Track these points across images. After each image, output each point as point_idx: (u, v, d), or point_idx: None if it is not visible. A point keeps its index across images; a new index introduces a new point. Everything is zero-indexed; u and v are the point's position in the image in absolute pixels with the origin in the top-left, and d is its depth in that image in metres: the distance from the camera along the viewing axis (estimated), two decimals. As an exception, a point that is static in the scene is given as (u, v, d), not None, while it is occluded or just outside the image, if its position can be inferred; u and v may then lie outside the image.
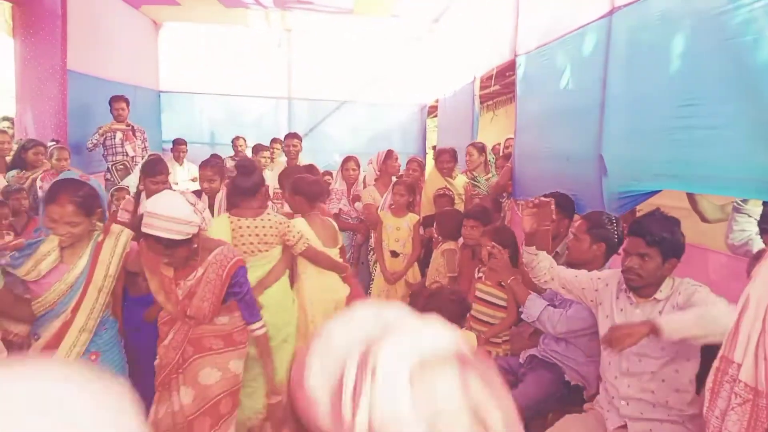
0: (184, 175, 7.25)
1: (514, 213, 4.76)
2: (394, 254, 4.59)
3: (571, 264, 2.83)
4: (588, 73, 3.43)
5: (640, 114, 2.89)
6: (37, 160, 5.25)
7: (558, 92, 3.90)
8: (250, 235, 3.11)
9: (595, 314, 2.56)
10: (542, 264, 2.70)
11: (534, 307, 2.90)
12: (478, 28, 6.30)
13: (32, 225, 4.31)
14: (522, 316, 3.00)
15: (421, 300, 2.74)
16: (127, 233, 2.50)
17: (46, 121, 6.01)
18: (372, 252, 5.06)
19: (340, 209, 5.36)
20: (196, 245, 2.39)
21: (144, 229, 2.29)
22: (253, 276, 3.04)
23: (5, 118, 6.13)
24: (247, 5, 8.18)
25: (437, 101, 9.03)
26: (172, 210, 2.27)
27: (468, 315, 3.16)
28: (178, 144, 7.37)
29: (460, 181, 5.14)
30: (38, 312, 2.30)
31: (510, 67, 5.62)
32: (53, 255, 2.28)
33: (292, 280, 3.41)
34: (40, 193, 4.85)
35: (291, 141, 5.72)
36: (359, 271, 5.30)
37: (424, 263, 4.76)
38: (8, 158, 5.37)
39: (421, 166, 5.36)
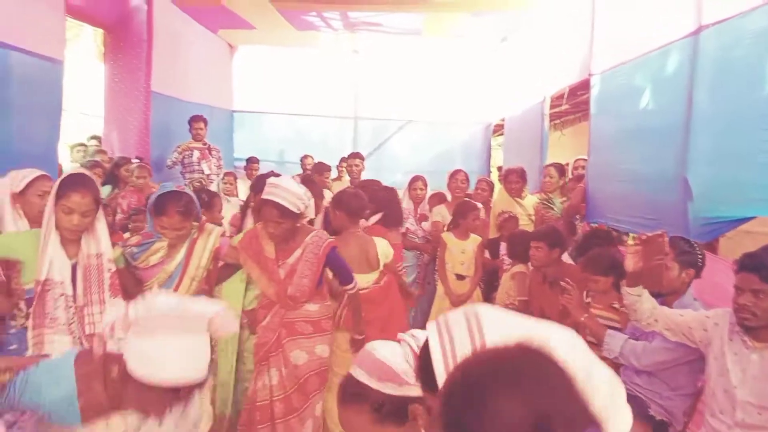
0: (255, 192, 7.47)
1: (587, 236, 4.63)
2: (460, 277, 4.54)
3: (657, 294, 2.70)
4: (671, 93, 3.32)
5: (730, 135, 2.76)
6: (128, 176, 5.56)
7: (637, 112, 3.79)
8: None
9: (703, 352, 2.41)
10: (645, 306, 2.54)
11: (614, 342, 2.76)
12: (548, 47, 6.22)
13: (116, 240, 4.55)
14: (603, 353, 2.86)
15: None
16: (218, 231, 2.87)
17: (130, 140, 6.36)
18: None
19: (407, 228, 5.37)
20: (299, 224, 2.79)
21: (265, 196, 2.71)
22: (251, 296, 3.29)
23: (94, 137, 6.53)
24: (318, 28, 8.42)
25: (503, 120, 8.96)
26: (292, 186, 2.74)
27: None
28: (251, 162, 7.60)
29: (529, 201, 5.05)
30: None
31: (582, 87, 5.52)
32: (162, 252, 2.70)
33: None
34: (119, 210, 5.13)
35: (353, 160, 5.81)
36: (426, 291, 5.28)
37: (487, 287, 4.69)
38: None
39: (490, 186, 5.30)
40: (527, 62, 7.32)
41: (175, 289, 2.67)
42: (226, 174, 6.49)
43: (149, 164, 5.94)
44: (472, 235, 4.54)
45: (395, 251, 3.96)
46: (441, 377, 0.89)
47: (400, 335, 1.34)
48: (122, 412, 1.58)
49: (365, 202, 3.70)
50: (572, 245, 4.70)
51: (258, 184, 4.24)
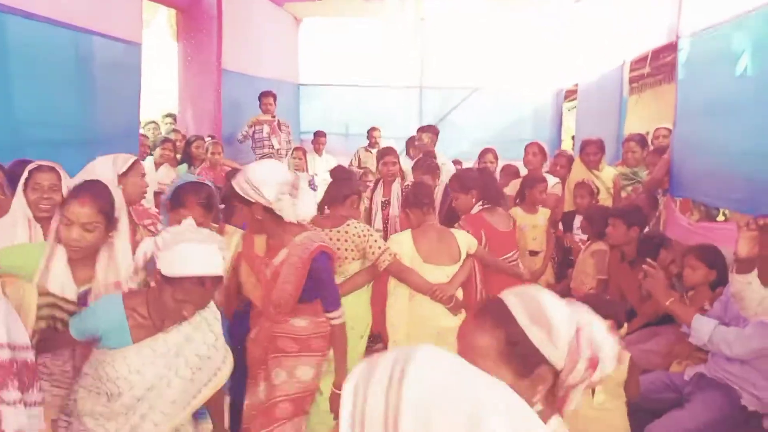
0: (323, 165, 7.52)
1: (671, 211, 4.38)
2: (533, 253, 4.41)
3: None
4: (773, 58, 3.03)
5: None
6: (200, 153, 5.73)
7: (731, 79, 3.50)
8: None
9: None
10: (755, 294, 2.36)
11: (703, 328, 2.59)
12: (628, 7, 5.84)
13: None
14: (690, 339, 2.71)
15: None
16: (240, 234, 2.60)
17: (203, 117, 6.54)
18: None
19: (475, 203, 5.26)
20: (259, 217, 2.38)
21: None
22: None
23: (169, 115, 6.75)
24: (384, -3, 8.27)
25: (575, 86, 8.57)
26: (254, 172, 2.36)
27: None
28: (319, 136, 7.64)
29: (607, 173, 4.76)
30: None
31: (665, 49, 5.17)
32: None
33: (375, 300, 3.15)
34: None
35: (421, 134, 5.70)
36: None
37: (560, 263, 4.54)
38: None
39: (569, 161, 5.02)
40: (604, 24, 6.92)
41: None
42: (295, 149, 6.57)
43: (221, 141, 6.09)
44: (541, 209, 4.38)
45: (507, 238, 3.70)
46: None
47: (574, 303, 1.25)
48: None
49: (430, 189, 3.51)
50: (656, 221, 4.49)
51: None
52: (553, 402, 1.23)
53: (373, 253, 2.97)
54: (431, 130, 5.68)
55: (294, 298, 2.44)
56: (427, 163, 4.58)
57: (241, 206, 2.46)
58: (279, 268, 2.42)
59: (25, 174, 2.48)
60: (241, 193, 2.35)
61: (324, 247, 2.45)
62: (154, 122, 6.81)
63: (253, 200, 2.34)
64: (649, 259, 2.89)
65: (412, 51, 9.69)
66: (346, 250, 2.97)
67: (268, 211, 2.36)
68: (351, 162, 7.57)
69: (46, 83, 3.79)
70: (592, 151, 4.73)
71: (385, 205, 4.66)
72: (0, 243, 2.25)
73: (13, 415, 1.63)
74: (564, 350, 1.17)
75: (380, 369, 0.80)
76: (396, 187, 4.63)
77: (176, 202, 2.40)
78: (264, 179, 2.33)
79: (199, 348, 1.95)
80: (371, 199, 4.70)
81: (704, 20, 3.89)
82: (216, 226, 2.56)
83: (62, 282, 2.02)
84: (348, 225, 2.99)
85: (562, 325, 1.17)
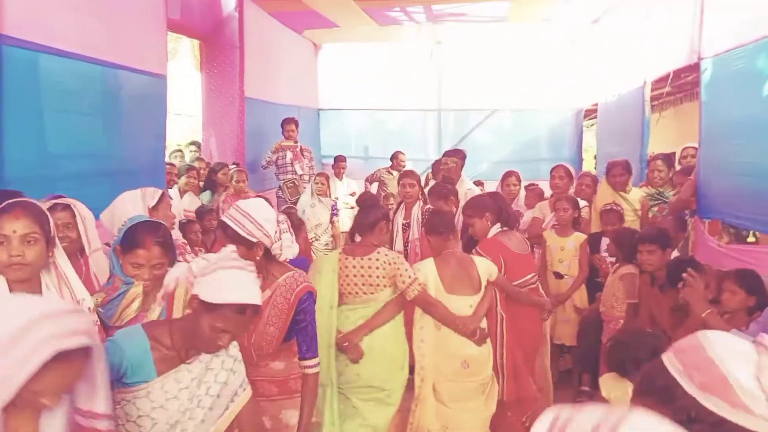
0: (343, 189, 7.58)
1: (699, 233, 4.31)
2: (558, 276, 4.38)
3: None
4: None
5: None
6: (224, 180, 5.80)
7: (758, 99, 3.46)
8: (355, 276, 2.98)
9: None
10: None
11: None
12: (648, 28, 5.83)
13: (220, 242, 4.77)
14: None
15: (613, 343, 2.49)
16: None
17: (227, 145, 6.64)
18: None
19: (500, 226, 5.23)
20: (258, 258, 2.25)
21: (223, 218, 2.30)
22: (352, 318, 2.98)
23: (193, 143, 6.87)
24: (401, 22, 8.37)
25: (595, 105, 8.54)
26: (253, 210, 2.25)
27: None
28: (339, 161, 7.70)
29: (635, 195, 4.71)
30: None
31: (687, 69, 5.14)
32: (137, 303, 2.17)
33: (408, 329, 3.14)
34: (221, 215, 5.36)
35: (449, 158, 5.66)
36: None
37: (591, 287, 4.48)
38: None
39: (594, 182, 4.94)
40: (623, 44, 6.91)
41: None
42: (318, 174, 6.63)
43: (245, 168, 6.17)
44: (576, 233, 4.36)
45: (526, 260, 3.65)
46: None
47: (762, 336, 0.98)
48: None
49: (451, 216, 3.54)
50: (684, 243, 4.42)
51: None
52: None
53: (403, 282, 2.97)
54: (457, 155, 5.61)
55: (278, 340, 2.33)
56: (440, 189, 4.59)
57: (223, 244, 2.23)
58: (261, 311, 2.26)
59: None
60: (243, 233, 2.20)
61: (310, 288, 2.37)
62: (180, 150, 6.92)
63: (256, 240, 2.22)
64: (690, 268, 2.82)
65: (429, 74, 9.77)
66: (378, 277, 2.99)
67: (266, 251, 2.28)
68: (368, 178, 7.60)
69: (76, 117, 3.88)
70: (618, 172, 4.68)
71: (406, 227, 4.67)
72: None
73: None
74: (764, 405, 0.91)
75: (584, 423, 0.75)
76: (416, 210, 4.64)
77: (131, 243, 2.14)
78: (266, 217, 2.26)
79: (218, 375, 1.86)
80: (392, 222, 4.71)
81: (726, 41, 3.87)
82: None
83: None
84: (379, 253, 3.01)
85: (745, 378, 0.93)
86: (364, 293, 2.99)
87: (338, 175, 7.70)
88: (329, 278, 2.98)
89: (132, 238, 2.15)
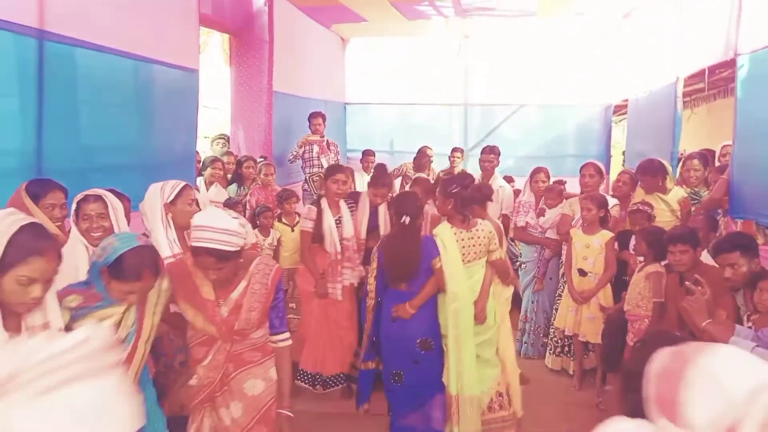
0: (372, 183, 7.59)
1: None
2: (582, 273, 4.36)
3: None
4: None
5: None
6: (249, 173, 5.88)
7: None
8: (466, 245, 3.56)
9: None
10: None
11: (742, 347, 2.52)
12: (681, 23, 5.71)
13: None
14: None
15: (641, 344, 2.47)
16: (167, 279, 2.32)
17: (255, 139, 6.72)
18: (563, 267, 4.84)
19: (527, 222, 5.22)
20: (242, 259, 2.33)
21: (197, 244, 2.22)
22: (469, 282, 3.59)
23: (221, 136, 6.95)
24: (429, 16, 8.34)
25: (625, 101, 8.41)
26: (225, 222, 2.23)
27: None
28: (367, 155, 7.70)
29: (674, 195, 4.51)
30: None
31: (721, 65, 5.03)
32: (114, 318, 2.14)
33: None
34: (248, 208, 5.44)
35: (488, 156, 5.71)
36: (547, 286, 5.12)
37: (617, 285, 4.44)
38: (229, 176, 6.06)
39: (632, 179, 4.79)
40: (654, 40, 6.78)
41: (129, 358, 2.15)
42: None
43: (272, 161, 6.24)
44: (602, 231, 4.32)
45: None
46: None
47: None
48: None
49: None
50: (714, 242, 4.34)
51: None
52: None
53: (492, 249, 3.61)
54: (494, 152, 5.76)
55: (261, 322, 2.45)
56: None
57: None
58: (240, 301, 2.38)
59: (74, 206, 2.62)
60: (230, 248, 2.21)
61: (280, 268, 2.50)
62: (223, 137, 6.95)
63: (240, 246, 2.27)
64: (697, 276, 2.80)
65: (456, 68, 9.72)
66: (479, 246, 3.60)
67: (241, 253, 2.32)
68: (393, 173, 7.55)
69: (111, 110, 3.98)
70: (641, 178, 4.53)
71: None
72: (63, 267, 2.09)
73: None
74: None
75: None
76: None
77: (126, 273, 2.04)
78: (232, 223, 2.25)
79: None
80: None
81: (765, 37, 3.78)
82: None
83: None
84: (480, 224, 3.63)
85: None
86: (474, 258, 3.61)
87: (365, 169, 7.70)
88: (454, 247, 3.53)
89: (126, 268, 2.04)
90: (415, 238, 3.51)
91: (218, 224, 2.21)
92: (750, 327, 2.81)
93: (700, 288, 2.71)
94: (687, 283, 2.81)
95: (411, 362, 3.50)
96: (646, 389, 0.85)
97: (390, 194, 4.54)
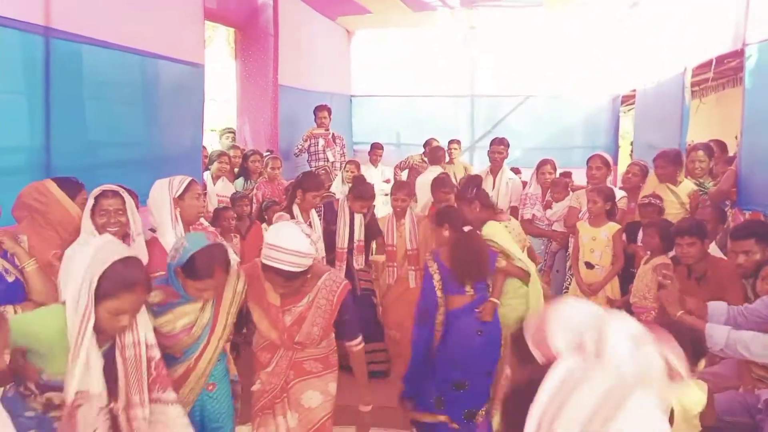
0: (377, 176, 7.58)
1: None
2: (589, 266, 4.34)
3: None
4: None
5: None
6: (256, 167, 5.89)
7: (805, 88, 3.35)
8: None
9: None
10: None
11: (718, 333, 2.57)
12: (689, 13, 5.66)
13: (255, 229, 4.86)
14: (708, 345, 2.62)
15: None
16: (243, 279, 2.45)
17: (261, 132, 6.73)
18: (569, 260, 4.84)
19: (533, 215, 5.22)
20: (309, 275, 2.40)
21: (267, 262, 2.29)
22: None
23: (229, 130, 6.97)
24: (435, 8, 8.30)
25: (633, 91, 8.35)
26: (296, 243, 2.28)
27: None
28: (376, 148, 7.68)
29: (685, 188, 4.47)
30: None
31: (730, 55, 4.98)
32: (192, 316, 2.29)
33: None
34: (254, 201, 5.45)
35: (497, 147, 5.71)
36: (553, 279, 5.12)
37: (624, 277, 4.42)
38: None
39: (643, 171, 4.78)
40: (662, 29, 6.72)
41: (201, 352, 2.33)
42: (348, 162, 6.67)
43: (279, 155, 6.25)
44: (609, 223, 4.30)
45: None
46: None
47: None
48: None
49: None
50: (723, 234, 4.32)
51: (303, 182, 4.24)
52: None
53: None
54: (503, 143, 5.76)
55: (322, 338, 2.50)
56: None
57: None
58: (305, 314, 2.44)
59: (91, 201, 2.64)
60: (298, 269, 2.29)
61: (348, 286, 2.54)
62: (231, 131, 6.95)
63: (309, 266, 2.34)
64: (665, 271, 2.97)
65: (462, 60, 9.67)
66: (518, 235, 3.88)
67: (309, 271, 2.39)
68: (400, 165, 7.56)
69: (117, 106, 3.99)
70: (660, 164, 4.49)
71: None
72: (73, 263, 2.18)
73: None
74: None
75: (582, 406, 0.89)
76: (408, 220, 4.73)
77: (198, 273, 2.19)
78: (305, 243, 2.32)
79: None
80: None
81: (774, 27, 3.75)
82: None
83: (97, 373, 1.92)
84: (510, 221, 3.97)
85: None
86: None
87: (374, 162, 7.70)
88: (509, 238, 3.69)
89: (199, 268, 2.17)
90: (481, 240, 3.48)
91: (290, 245, 2.27)
92: None
93: (670, 282, 2.85)
94: (659, 277, 2.92)
95: (485, 373, 3.36)
96: (528, 339, 1.09)
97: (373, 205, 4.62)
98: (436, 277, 3.34)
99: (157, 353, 2.08)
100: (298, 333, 2.44)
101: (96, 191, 2.66)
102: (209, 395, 2.43)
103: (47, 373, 1.90)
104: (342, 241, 4.32)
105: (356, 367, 2.64)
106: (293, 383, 2.51)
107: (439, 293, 3.32)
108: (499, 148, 5.68)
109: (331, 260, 4.26)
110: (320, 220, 4.31)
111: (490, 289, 3.49)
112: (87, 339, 1.85)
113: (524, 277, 3.62)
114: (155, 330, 2.16)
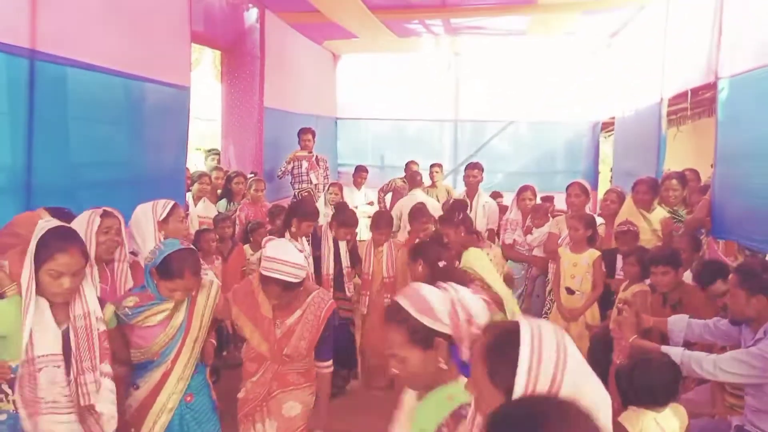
0: (361, 198, 7.63)
1: (713, 253, 4.31)
2: (570, 291, 4.40)
3: (736, 322, 2.75)
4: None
5: None
6: (239, 189, 5.89)
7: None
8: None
9: None
10: None
11: (672, 353, 2.70)
12: (665, 45, 5.83)
13: (237, 251, 4.86)
14: None
15: (628, 364, 2.56)
16: (216, 285, 2.65)
17: (245, 154, 6.74)
18: (549, 285, 4.89)
19: (514, 240, 5.28)
20: (302, 288, 2.61)
21: (267, 273, 2.49)
22: None
23: (214, 152, 6.97)
24: (420, 34, 8.45)
25: (612, 118, 8.54)
26: (293, 257, 2.50)
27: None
28: (360, 170, 7.73)
29: (657, 214, 4.56)
30: (138, 359, 2.46)
31: (704, 87, 5.13)
32: (162, 315, 2.44)
33: None
34: (237, 222, 5.45)
35: (471, 171, 5.80)
36: (532, 304, 5.17)
37: (603, 303, 4.49)
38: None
39: (620, 198, 4.87)
40: (640, 60, 6.91)
41: (178, 354, 2.47)
42: (331, 184, 6.71)
43: (263, 177, 6.27)
44: (590, 249, 4.37)
45: None
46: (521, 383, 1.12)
47: (443, 284, 1.64)
48: None
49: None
50: (697, 262, 4.41)
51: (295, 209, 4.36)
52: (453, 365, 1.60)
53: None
54: (478, 167, 5.90)
55: (308, 351, 2.66)
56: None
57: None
58: (294, 327, 2.61)
59: (97, 221, 2.68)
60: (295, 280, 2.49)
61: (334, 305, 2.74)
62: (216, 152, 6.95)
63: (303, 278, 2.54)
64: (626, 299, 3.28)
65: (447, 84, 9.84)
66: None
67: (303, 283, 2.58)
68: (383, 188, 7.59)
69: (101, 128, 3.99)
70: (642, 190, 4.58)
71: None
72: None
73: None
74: (447, 321, 1.55)
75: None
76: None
77: (170, 272, 2.37)
78: (299, 256, 2.53)
79: None
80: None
81: (744, 62, 3.87)
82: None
83: (51, 335, 2.12)
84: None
85: (440, 305, 1.56)
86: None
87: (357, 185, 7.75)
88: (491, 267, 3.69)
89: (170, 268, 2.37)
90: (457, 275, 3.11)
91: (288, 258, 2.49)
92: None
93: (626, 308, 3.14)
94: (618, 305, 3.18)
95: None
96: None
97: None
98: None
99: (102, 326, 2.25)
100: (287, 346, 2.60)
101: (99, 210, 2.74)
102: (188, 406, 2.52)
103: (12, 358, 2.07)
104: (327, 268, 4.36)
105: (320, 387, 2.78)
106: (275, 393, 2.66)
107: None
108: (473, 172, 5.85)
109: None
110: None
111: None
112: (33, 302, 2.06)
113: (499, 305, 3.53)
114: (132, 329, 2.40)
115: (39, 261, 2.08)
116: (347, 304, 4.51)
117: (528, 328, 1.18)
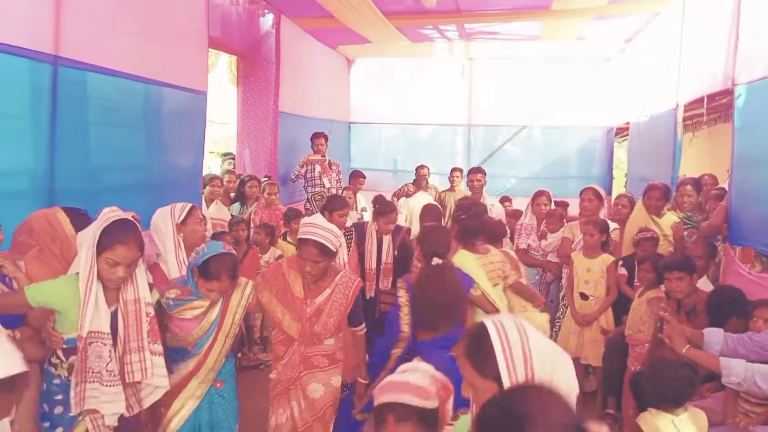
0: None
1: (730, 259, 4.27)
2: (584, 296, 4.40)
3: None
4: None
5: None
6: (253, 193, 5.95)
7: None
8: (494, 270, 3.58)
9: None
10: None
11: (735, 367, 2.56)
12: (680, 51, 5.81)
13: (251, 253, 4.90)
14: (723, 382, 2.65)
15: (646, 370, 2.54)
16: (252, 285, 2.80)
17: (260, 158, 6.81)
18: (563, 290, 4.89)
19: (528, 245, 5.28)
20: (333, 263, 2.81)
21: (305, 236, 2.69)
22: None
23: (230, 156, 7.04)
24: (434, 39, 8.47)
25: (627, 123, 8.50)
26: (328, 224, 2.75)
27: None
28: (357, 176, 7.72)
29: (667, 220, 4.58)
30: (172, 344, 2.67)
31: (720, 93, 5.11)
32: (198, 311, 2.64)
33: None
34: (252, 225, 5.49)
35: (475, 176, 5.83)
36: (548, 310, 5.15)
37: (618, 309, 4.47)
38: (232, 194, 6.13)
39: (632, 203, 4.85)
40: (655, 65, 6.88)
41: (210, 346, 2.66)
42: (345, 188, 6.73)
43: (277, 181, 6.32)
44: (604, 255, 4.36)
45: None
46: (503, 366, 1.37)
47: (413, 365, 1.82)
48: None
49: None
50: (714, 268, 4.38)
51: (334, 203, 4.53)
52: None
53: (506, 275, 3.65)
54: (481, 172, 5.92)
55: (336, 329, 2.84)
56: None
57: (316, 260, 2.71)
58: (323, 306, 2.79)
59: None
60: (331, 246, 2.68)
61: (361, 284, 2.93)
62: (232, 156, 7.03)
63: (336, 250, 2.73)
64: (662, 305, 3.14)
65: (460, 89, 9.85)
66: (496, 271, 3.62)
67: (335, 256, 2.78)
68: (396, 194, 7.58)
69: (120, 132, 4.05)
70: (655, 196, 4.57)
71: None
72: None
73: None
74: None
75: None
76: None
77: (208, 273, 2.57)
78: (337, 230, 2.75)
79: None
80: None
81: (761, 69, 3.85)
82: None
83: (103, 315, 2.34)
84: (491, 250, 3.69)
85: (429, 385, 1.71)
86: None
87: (355, 190, 7.74)
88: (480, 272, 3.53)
89: (209, 270, 2.56)
90: (453, 280, 3.07)
91: (324, 224, 2.74)
92: None
93: (666, 316, 2.99)
94: (660, 312, 3.00)
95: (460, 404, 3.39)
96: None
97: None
98: (405, 309, 3.09)
99: (152, 311, 2.47)
100: (317, 323, 2.77)
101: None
102: (218, 392, 2.74)
103: (65, 331, 2.32)
104: (370, 262, 4.48)
105: (359, 346, 3.04)
106: (303, 374, 2.84)
107: (405, 328, 3.07)
108: (476, 176, 5.98)
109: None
110: (352, 243, 4.52)
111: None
112: (94, 284, 2.28)
113: (494, 313, 3.38)
114: (171, 318, 2.63)
115: (100, 248, 2.29)
116: (389, 298, 4.37)
117: (491, 322, 1.42)
